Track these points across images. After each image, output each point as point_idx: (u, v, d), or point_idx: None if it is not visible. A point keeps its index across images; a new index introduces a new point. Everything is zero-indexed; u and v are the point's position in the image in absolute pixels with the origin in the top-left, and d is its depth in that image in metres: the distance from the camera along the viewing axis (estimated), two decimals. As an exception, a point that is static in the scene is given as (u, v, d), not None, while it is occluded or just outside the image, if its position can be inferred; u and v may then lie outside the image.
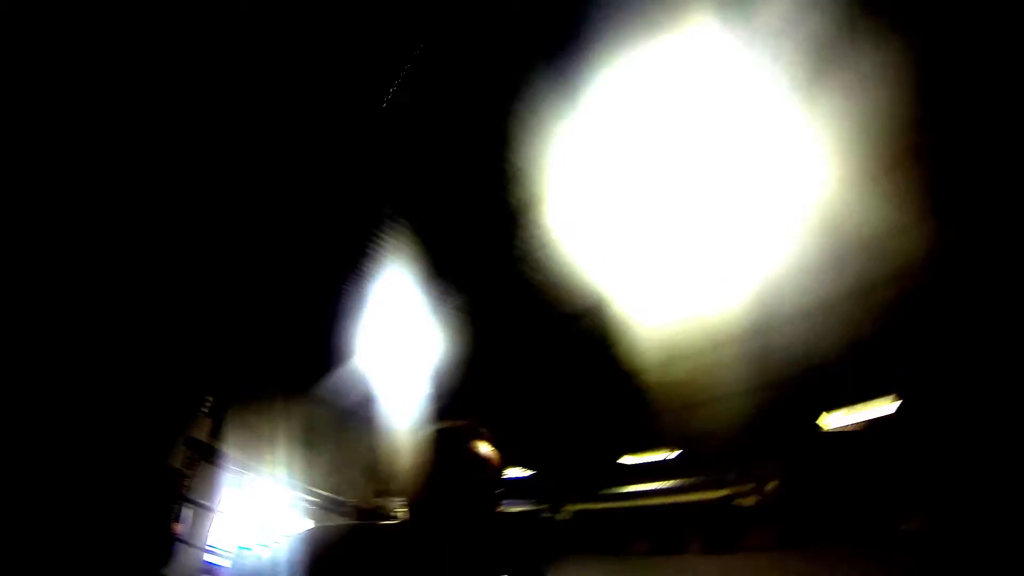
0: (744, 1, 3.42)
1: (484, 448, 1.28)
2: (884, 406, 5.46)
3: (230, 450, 4.96)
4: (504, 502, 1.34)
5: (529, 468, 7.46)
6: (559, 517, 6.25)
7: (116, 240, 4.56)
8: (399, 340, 5.75)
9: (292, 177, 4.82)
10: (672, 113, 4.04)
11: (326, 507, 5.23)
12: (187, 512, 4.60)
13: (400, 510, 1.26)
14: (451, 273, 5.69)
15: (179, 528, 4.52)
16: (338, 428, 5.67)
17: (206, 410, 5.10)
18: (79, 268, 4.39)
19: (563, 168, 4.56)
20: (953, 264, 4.72)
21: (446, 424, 1.35)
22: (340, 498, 5.40)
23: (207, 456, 4.82)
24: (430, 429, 1.34)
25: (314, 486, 5.25)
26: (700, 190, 4.56)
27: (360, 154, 4.74)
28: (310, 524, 5.11)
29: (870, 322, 5.30)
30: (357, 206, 5.15)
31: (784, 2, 3.40)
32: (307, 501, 5.17)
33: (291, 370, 5.74)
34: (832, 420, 5.68)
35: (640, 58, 3.71)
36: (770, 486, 5.38)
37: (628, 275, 5.22)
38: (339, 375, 5.85)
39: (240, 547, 4.88)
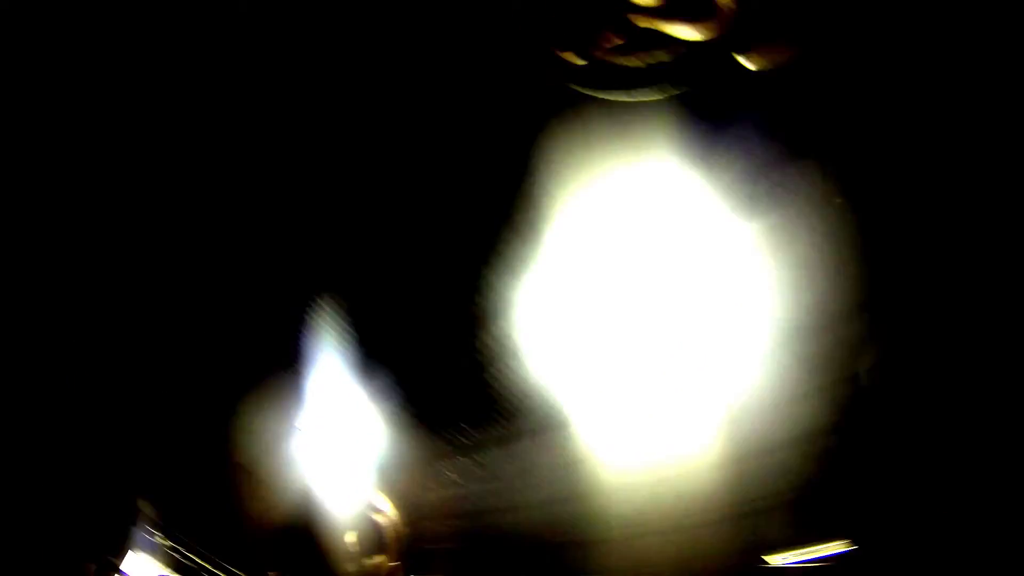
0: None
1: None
2: (835, 548, 5.22)
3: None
4: None
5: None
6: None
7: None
8: (340, 431, 5.63)
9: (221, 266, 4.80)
10: (638, 240, 4.21)
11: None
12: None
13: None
14: (400, 372, 5.65)
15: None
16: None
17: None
18: None
19: (529, 279, 4.66)
20: (902, 411, 4.72)
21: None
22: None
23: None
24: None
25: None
26: (667, 313, 4.67)
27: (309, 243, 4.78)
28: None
29: (817, 465, 5.22)
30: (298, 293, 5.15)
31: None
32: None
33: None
34: (779, 559, 5.41)
35: (603, 182, 3.89)
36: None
37: (587, 394, 5.21)
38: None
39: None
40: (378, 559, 0.98)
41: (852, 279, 3.95)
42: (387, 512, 0.99)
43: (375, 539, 0.97)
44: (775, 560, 5.33)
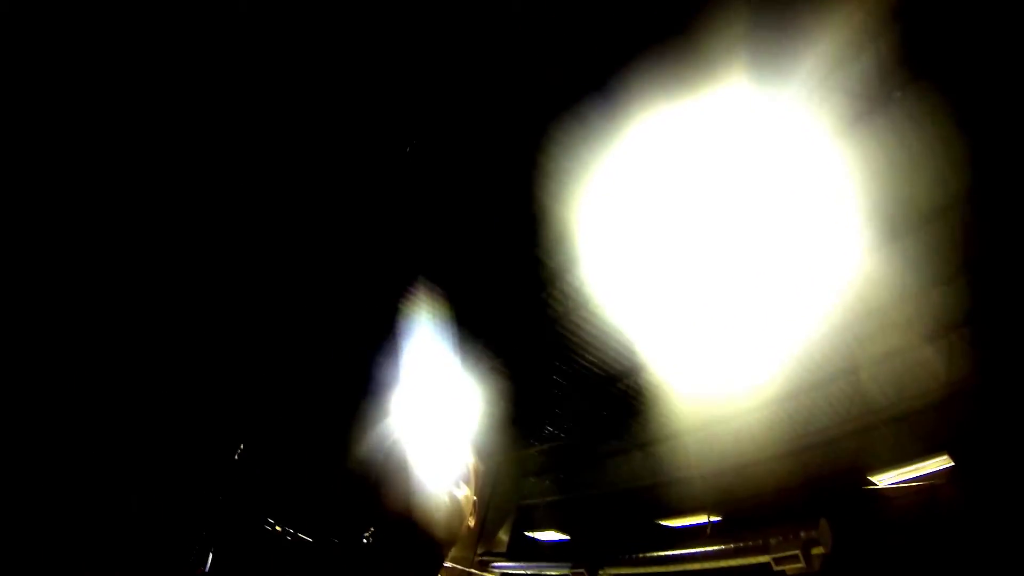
0: (777, 65, 3.51)
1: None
2: (936, 465, 5.15)
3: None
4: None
5: (565, 532, 7.26)
6: (597, 582, 6.02)
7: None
8: (436, 403, 5.80)
9: (326, 245, 5.00)
10: (711, 179, 4.10)
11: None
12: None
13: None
14: (488, 335, 5.77)
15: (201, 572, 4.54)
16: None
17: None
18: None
19: (600, 233, 4.64)
20: (1000, 318, 4.55)
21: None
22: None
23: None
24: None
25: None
26: (735, 255, 4.56)
27: (398, 221, 4.92)
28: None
29: (912, 381, 5.11)
30: (394, 271, 5.32)
31: (817, 64, 3.47)
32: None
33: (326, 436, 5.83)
34: (882, 480, 5.37)
35: (676, 124, 3.82)
36: (816, 551, 5.05)
37: (663, 339, 5.19)
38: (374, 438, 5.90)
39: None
40: (471, 519, 1.08)
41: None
42: (474, 470, 1.08)
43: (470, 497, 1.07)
44: (881, 480, 5.26)
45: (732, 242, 4.47)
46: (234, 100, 3.73)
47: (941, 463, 5.19)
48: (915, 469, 5.33)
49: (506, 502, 7.23)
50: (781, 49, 3.33)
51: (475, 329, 5.68)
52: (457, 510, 1.17)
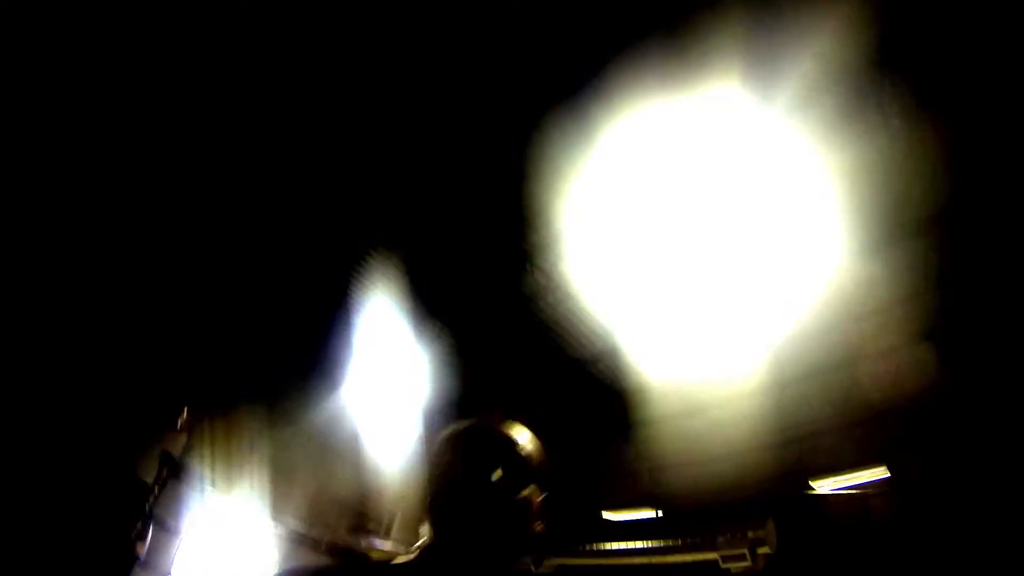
0: (764, 62, 3.55)
1: (520, 435, 1.17)
2: (875, 475, 5.44)
3: (203, 470, 4.65)
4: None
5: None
6: (541, 571, 5.94)
7: (97, 245, 4.45)
8: (391, 372, 5.59)
9: (289, 195, 4.77)
10: (688, 163, 4.10)
11: (296, 540, 4.90)
12: (151, 531, 4.25)
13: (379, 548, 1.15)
14: (451, 308, 5.61)
15: (141, 548, 4.16)
16: (318, 459, 5.39)
17: (179, 426, 4.81)
18: (56, 270, 4.24)
19: (578, 211, 4.58)
20: (957, 338, 4.80)
21: (465, 423, 1.22)
22: (311, 532, 5.07)
23: (178, 473, 4.50)
24: (450, 429, 1.23)
25: (287, 516, 4.94)
26: (715, 242, 4.60)
27: (367, 186, 4.72)
28: (285, 562, 4.78)
29: (863, 391, 5.34)
30: (355, 230, 5.09)
31: (805, 68, 3.53)
32: (278, 532, 4.83)
33: (275, 392, 5.50)
34: (823, 485, 5.62)
35: (658, 109, 3.80)
36: (762, 550, 5.22)
37: (638, 324, 5.19)
38: (325, 402, 5.62)
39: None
40: (527, 491, 1.02)
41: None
42: (526, 442, 1.03)
43: (521, 471, 1.01)
44: (821, 486, 5.44)
45: (711, 230, 4.52)
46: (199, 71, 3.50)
47: (877, 474, 5.47)
48: (853, 478, 5.59)
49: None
50: (772, 46, 3.38)
51: (437, 300, 5.54)
52: None
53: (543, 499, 1.17)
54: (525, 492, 1.14)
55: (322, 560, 4.75)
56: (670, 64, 3.54)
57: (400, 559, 1.12)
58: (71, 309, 4.30)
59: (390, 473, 5.40)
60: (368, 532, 5.31)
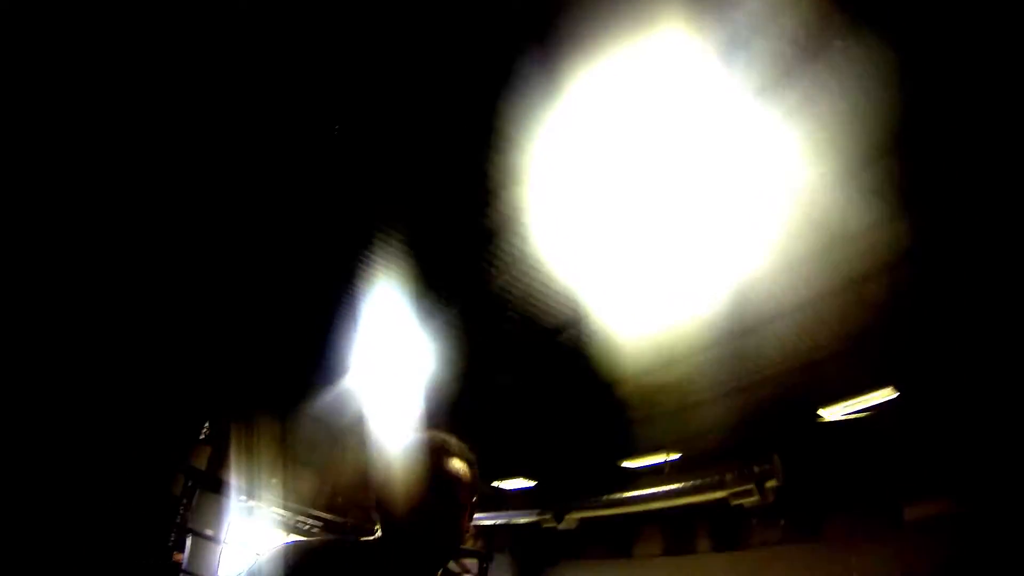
0: (717, 2, 3.42)
1: (457, 465, 1.30)
2: (882, 396, 5.40)
3: (232, 477, 4.99)
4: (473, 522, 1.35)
5: (531, 479, 7.45)
6: (563, 526, 6.24)
7: (113, 259, 4.61)
8: (390, 356, 5.78)
9: (281, 198, 4.85)
10: (648, 116, 4.03)
11: (328, 530, 5.27)
12: (188, 542, 4.63)
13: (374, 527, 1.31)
14: (438, 289, 5.71)
15: (179, 558, 4.55)
16: (335, 448, 5.72)
17: (204, 437, 5.15)
18: (79, 285, 4.45)
19: (539, 178, 4.55)
20: (940, 252, 4.69)
21: (428, 434, 1.38)
22: (331, 517, 5.44)
23: (207, 484, 4.86)
24: (416, 438, 1.37)
25: (309, 507, 5.30)
26: (678, 193, 4.54)
27: (343, 174, 4.75)
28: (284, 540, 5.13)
29: (861, 315, 5.28)
30: (345, 227, 5.18)
31: (757, 2, 3.39)
32: (304, 523, 5.21)
33: (285, 391, 5.79)
34: (830, 413, 5.64)
35: (612, 65, 3.72)
36: (769, 484, 5.33)
37: (613, 282, 5.22)
38: (332, 393, 5.90)
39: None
40: (462, 496, 1.14)
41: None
42: (458, 449, 1.12)
43: (456, 481, 1.12)
44: (829, 413, 5.48)
45: (672, 182, 4.46)
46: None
47: (886, 395, 5.46)
48: (861, 401, 5.60)
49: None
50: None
51: (427, 284, 5.64)
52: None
53: (474, 503, 1.34)
54: (460, 498, 1.30)
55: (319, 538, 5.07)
56: (615, 19, 3.46)
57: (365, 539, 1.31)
58: (90, 329, 4.55)
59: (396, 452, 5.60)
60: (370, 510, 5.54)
